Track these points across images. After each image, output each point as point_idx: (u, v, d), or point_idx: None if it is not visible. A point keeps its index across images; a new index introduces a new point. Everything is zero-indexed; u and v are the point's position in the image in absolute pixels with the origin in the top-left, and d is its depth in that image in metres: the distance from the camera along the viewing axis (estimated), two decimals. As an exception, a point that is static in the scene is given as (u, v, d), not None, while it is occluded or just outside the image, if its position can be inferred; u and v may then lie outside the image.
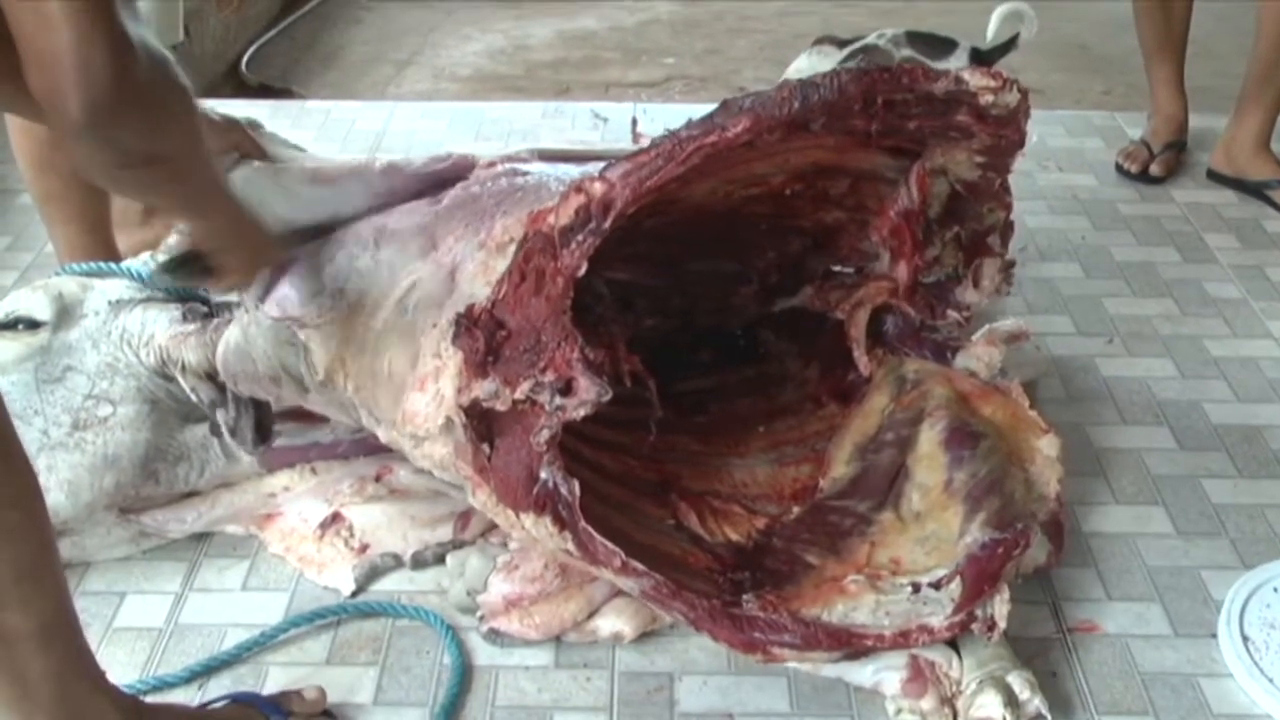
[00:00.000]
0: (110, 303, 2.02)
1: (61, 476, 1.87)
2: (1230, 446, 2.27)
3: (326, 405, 1.86)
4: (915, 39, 3.19)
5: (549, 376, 1.54)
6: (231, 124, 1.84)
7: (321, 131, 3.43)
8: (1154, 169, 3.20)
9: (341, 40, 4.67)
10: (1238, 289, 2.75)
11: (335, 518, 2.01)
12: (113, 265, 2.12)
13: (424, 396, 1.63)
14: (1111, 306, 2.69)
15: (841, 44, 3.02)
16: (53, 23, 1.14)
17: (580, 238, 1.54)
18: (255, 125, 1.89)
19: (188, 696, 1.75)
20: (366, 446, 2.05)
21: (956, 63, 3.07)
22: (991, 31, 3.17)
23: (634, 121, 2.98)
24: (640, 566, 1.59)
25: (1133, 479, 2.19)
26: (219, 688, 1.76)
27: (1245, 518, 2.10)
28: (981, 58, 3.11)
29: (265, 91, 4.12)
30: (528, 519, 1.57)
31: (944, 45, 3.15)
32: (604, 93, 4.20)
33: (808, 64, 3.03)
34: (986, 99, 1.69)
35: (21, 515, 1.33)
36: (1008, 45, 3.12)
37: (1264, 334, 2.60)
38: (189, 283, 1.85)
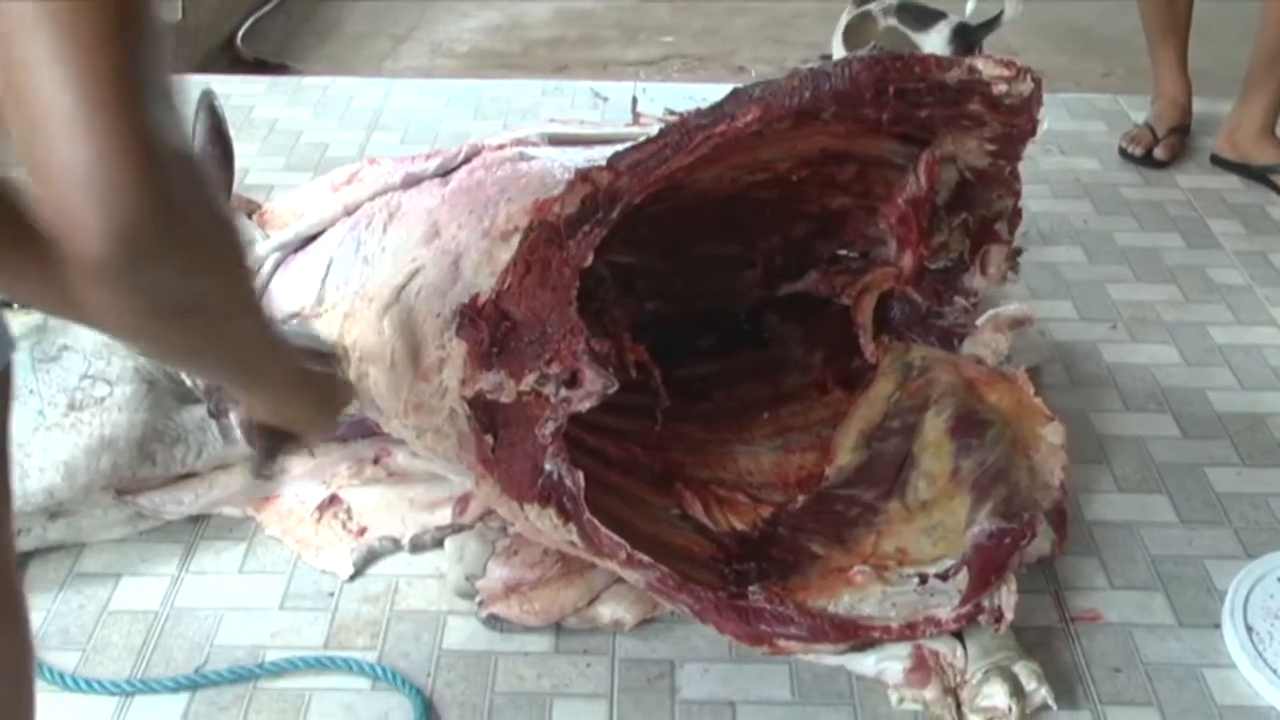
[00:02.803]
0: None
1: (58, 458, 1.86)
2: (1234, 434, 2.26)
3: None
4: (903, 9, 3.24)
5: (554, 368, 1.52)
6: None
7: (318, 108, 3.40)
8: (1158, 153, 3.18)
9: (338, 15, 4.63)
10: (1242, 275, 2.74)
11: (333, 500, 2.00)
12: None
13: (428, 387, 1.61)
14: (1114, 292, 2.67)
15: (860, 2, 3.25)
16: (65, 127, 0.88)
17: (586, 228, 1.52)
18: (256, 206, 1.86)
19: (176, 705, 1.73)
20: (365, 429, 2.03)
21: (938, 36, 3.12)
22: (971, 7, 3.19)
23: (634, 101, 2.96)
24: (646, 559, 1.58)
25: (1136, 467, 2.18)
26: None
27: (1249, 506, 2.09)
28: (966, 34, 3.13)
29: (261, 66, 4.09)
30: (532, 511, 1.56)
31: (929, 17, 3.20)
32: (602, 71, 4.17)
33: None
34: (999, 88, 1.67)
35: (13, 688, 1.18)
36: (992, 23, 3.14)
37: (1268, 321, 2.58)
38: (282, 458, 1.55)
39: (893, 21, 3.27)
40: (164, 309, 0.97)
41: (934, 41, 3.16)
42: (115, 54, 0.88)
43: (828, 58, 3.53)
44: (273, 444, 1.43)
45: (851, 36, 3.34)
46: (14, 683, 1.16)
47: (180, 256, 0.93)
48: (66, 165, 0.87)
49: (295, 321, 1.66)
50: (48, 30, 0.87)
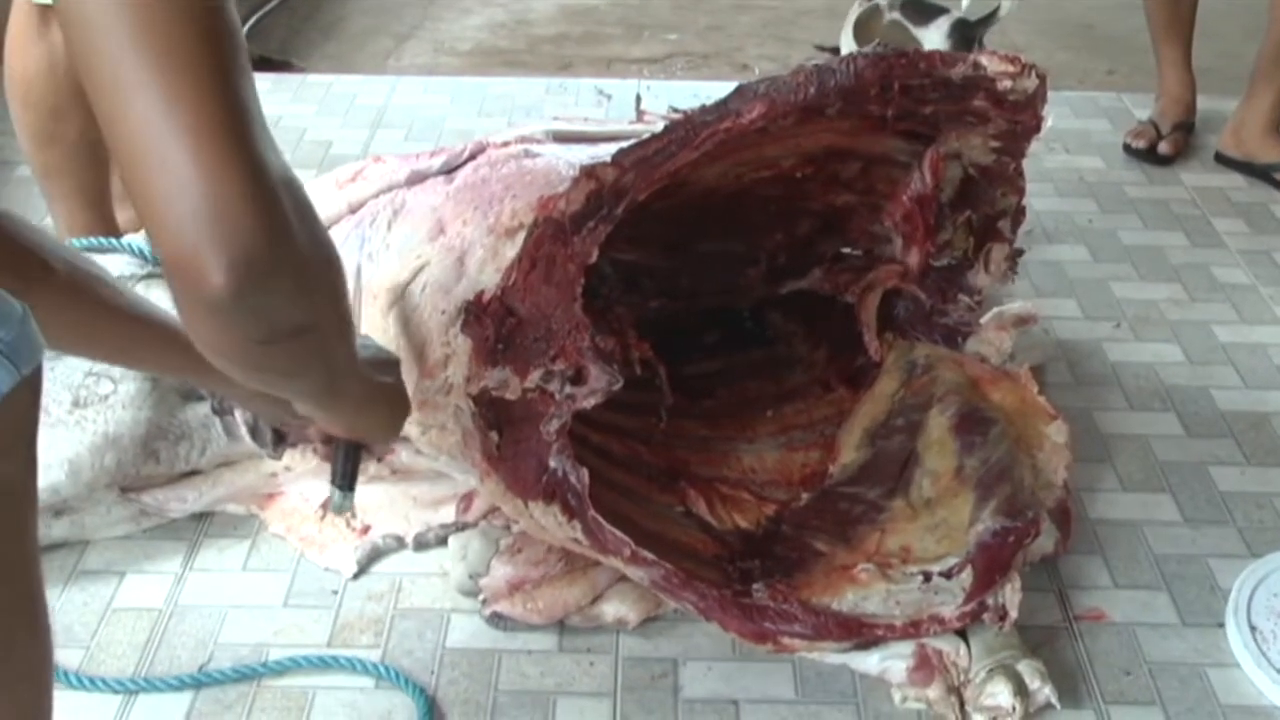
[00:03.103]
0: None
1: (62, 455, 1.85)
2: (1238, 433, 2.26)
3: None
4: (906, 4, 3.26)
5: (559, 365, 1.52)
6: None
7: (322, 106, 3.40)
8: (1163, 147, 3.18)
9: (341, 12, 4.63)
10: (1246, 274, 2.74)
11: (337, 497, 1.99)
12: (113, 240, 2.10)
13: (432, 384, 1.61)
14: (1119, 290, 2.67)
15: None
16: (180, 171, 0.89)
17: (591, 224, 1.52)
18: None
19: (180, 703, 1.73)
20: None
21: (937, 31, 3.17)
22: (966, 2, 3.21)
23: (638, 99, 2.96)
24: (650, 556, 1.58)
25: (1140, 465, 2.17)
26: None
27: (1253, 505, 2.09)
28: (964, 29, 3.16)
29: (265, 64, 4.08)
30: (536, 508, 1.56)
31: (931, 12, 3.23)
32: (606, 68, 4.16)
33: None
34: (1004, 84, 1.67)
35: (33, 691, 1.18)
36: (989, 18, 3.16)
37: (1272, 320, 2.58)
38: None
39: (896, 15, 3.30)
40: (277, 334, 0.99)
41: (933, 36, 3.20)
42: (223, 89, 0.90)
43: (833, 51, 3.57)
44: (350, 458, 1.48)
45: (861, 31, 3.37)
46: (34, 686, 1.16)
47: (294, 282, 0.96)
48: (181, 201, 0.89)
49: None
50: (156, 71, 0.88)
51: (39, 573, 1.14)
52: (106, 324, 1.31)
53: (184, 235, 0.90)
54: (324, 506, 1.67)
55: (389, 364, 1.43)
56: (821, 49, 3.75)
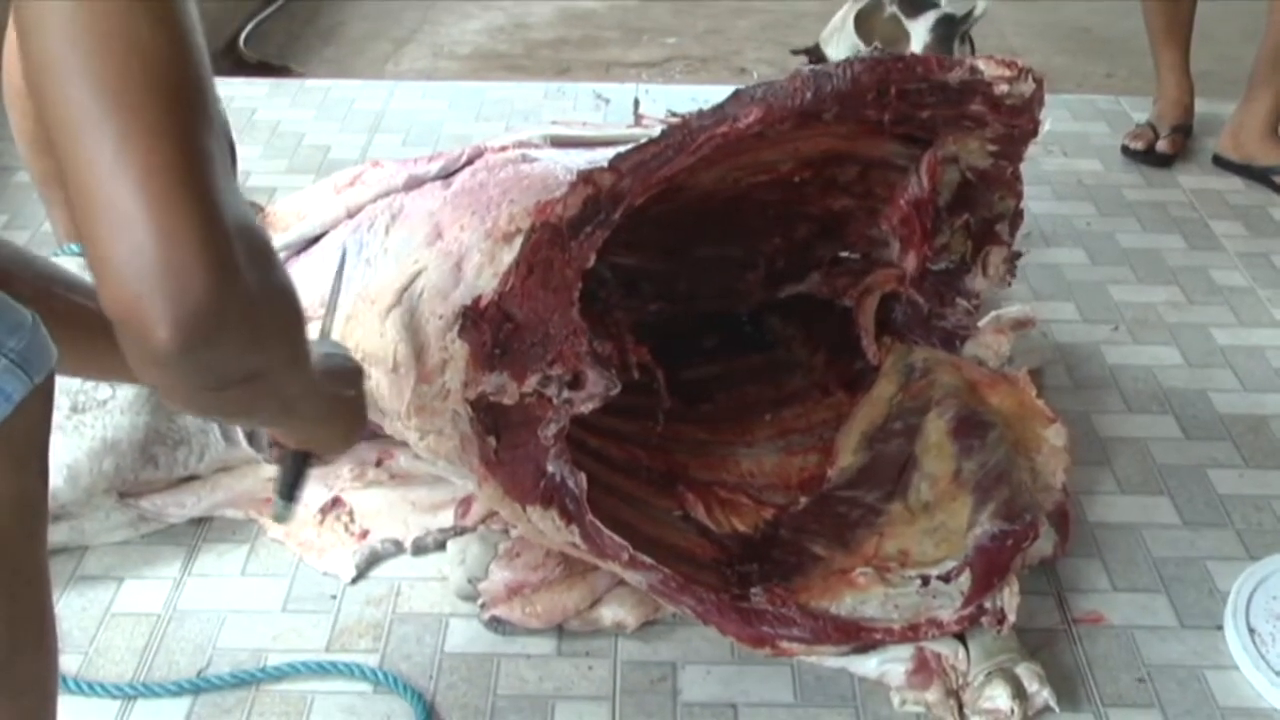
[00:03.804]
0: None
1: (60, 460, 1.85)
2: (1236, 436, 2.25)
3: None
4: None
5: (557, 370, 1.52)
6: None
7: (321, 110, 3.40)
8: (1161, 145, 3.18)
9: (340, 16, 4.63)
10: (1244, 277, 2.74)
11: (335, 502, 2.00)
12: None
13: (430, 389, 1.61)
14: (1117, 293, 2.67)
15: None
16: (127, 215, 0.84)
17: (589, 229, 1.52)
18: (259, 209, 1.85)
19: (178, 708, 1.72)
20: (367, 431, 2.03)
21: (924, 24, 3.19)
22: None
23: (636, 103, 2.96)
24: (648, 560, 1.58)
25: (1138, 468, 2.17)
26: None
27: (1251, 508, 2.09)
28: (947, 24, 3.20)
29: (264, 69, 4.09)
30: (534, 512, 1.56)
31: (922, 5, 3.27)
32: (605, 72, 4.17)
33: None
34: (1001, 88, 1.67)
35: (38, 702, 1.18)
36: (966, 18, 3.21)
37: (1271, 322, 2.58)
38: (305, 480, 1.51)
39: (894, 9, 3.34)
40: (227, 383, 0.95)
41: (920, 29, 3.24)
42: (178, 131, 0.86)
43: (806, 52, 3.60)
44: (296, 468, 1.43)
45: (863, 24, 3.41)
46: (40, 697, 1.16)
47: (244, 337, 0.91)
48: (130, 253, 0.84)
49: (318, 338, 1.64)
50: (108, 115, 0.84)
51: (48, 584, 1.14)
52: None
53: (127, 285, 0.85)
54: (266, 510, 1.59)
55: (351, 375, 1.38)
56: (796, 52, 3.76)
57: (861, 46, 3.47)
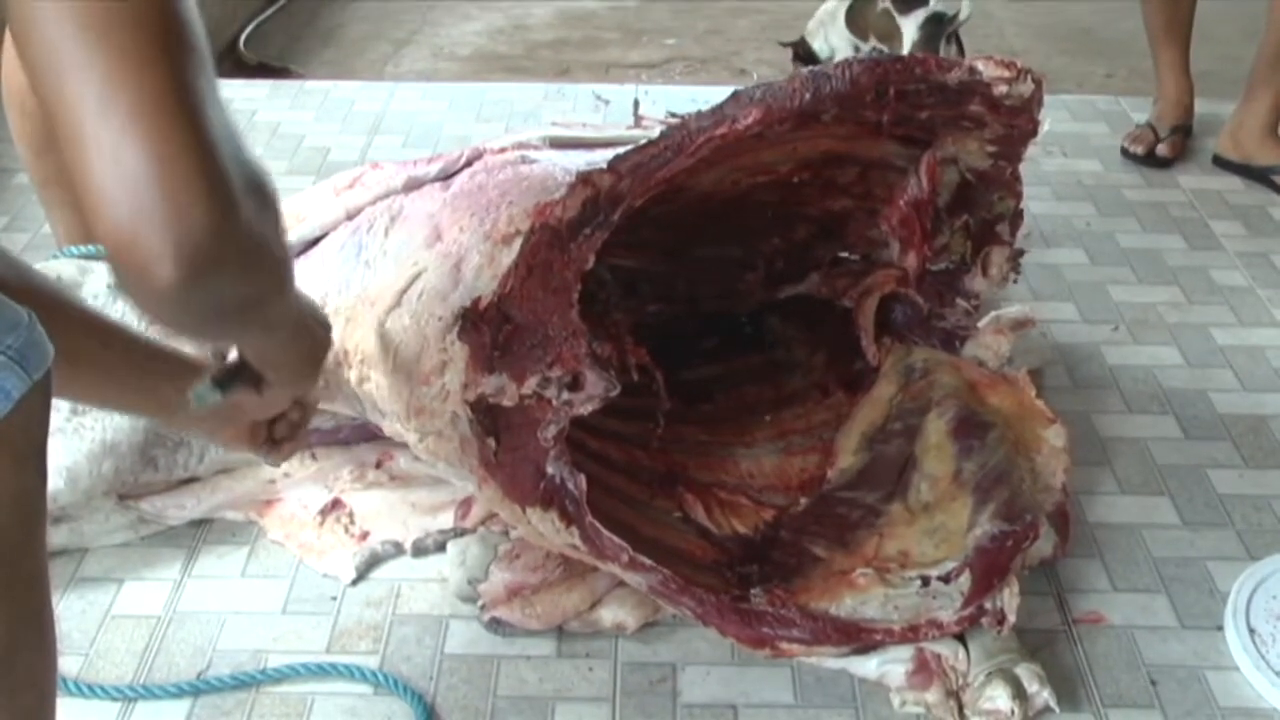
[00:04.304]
0: (109, 286, 1.99)
1: (60, 463, 1.85)
2: (1236, 436, 2.25)
3: (331, 398, 1.84)
4: None
5: (556, 371, 1.52)
6: None
7: (321, 112, 3.40)
8: (1161, 149, 3.18)
9: (340, 18, 4.63)
10: (1244, 276, 2.74)
11: (335, 504, 2.00)
12: (111, 248, 2.09)
13: (429, 391, 1.61)
14: (1117, 294, 2.67)
15: None
16: (120, 147, 0.83)
17: (588, 231, 1.52)
18: None
19: (178, 710, 1.72)
20: (367, 432, 2.03)
21: (914, 21, 3.24)
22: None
23: (635, 104, 2.95)
24: (647, 562, 1.58)
25: (1138, 469, 2.17)
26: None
27: (1251, 508, 2.09)
28: (935, 22, 3.23)
29: (264, 70, 4.09)
30: (534, 514, 1.56)
31: (914, 1, 3.28)
32: (604, 73, 4.17)
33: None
34: (1000, 89, 1.67)
35: (37, 700, 1.18)
36: (952, 19, 3.23)
37: (1270, 322, 2.58)
38: (238, 395, 1.40)
39: (886, 4, 3.35)
40: (223, 314, 0.95)
41: (910, 26, 3.26)
42: (166, 68, 0.86)
43: (792, 46, 3.62)
44: (246, 375, 1.34)
45: (855, 19, 3.41)
46: (39, 695, 1.16)
47: (242, 265, 0.90)
48: (127, 185, 0.83)
49: None
50: (93, 54, 0.84)
51: (48, 583, 1.14)
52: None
53: (124, 218, 0.84)
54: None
55: (321, 316, 1.38)
56: (784, 45, 3.77)
57: (854, 40, 3.49)
